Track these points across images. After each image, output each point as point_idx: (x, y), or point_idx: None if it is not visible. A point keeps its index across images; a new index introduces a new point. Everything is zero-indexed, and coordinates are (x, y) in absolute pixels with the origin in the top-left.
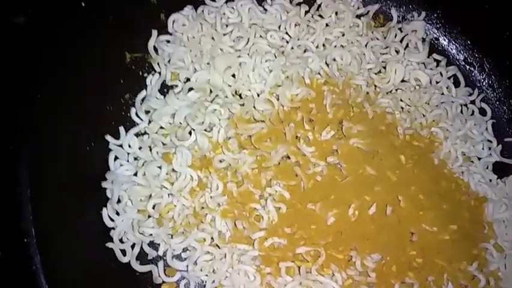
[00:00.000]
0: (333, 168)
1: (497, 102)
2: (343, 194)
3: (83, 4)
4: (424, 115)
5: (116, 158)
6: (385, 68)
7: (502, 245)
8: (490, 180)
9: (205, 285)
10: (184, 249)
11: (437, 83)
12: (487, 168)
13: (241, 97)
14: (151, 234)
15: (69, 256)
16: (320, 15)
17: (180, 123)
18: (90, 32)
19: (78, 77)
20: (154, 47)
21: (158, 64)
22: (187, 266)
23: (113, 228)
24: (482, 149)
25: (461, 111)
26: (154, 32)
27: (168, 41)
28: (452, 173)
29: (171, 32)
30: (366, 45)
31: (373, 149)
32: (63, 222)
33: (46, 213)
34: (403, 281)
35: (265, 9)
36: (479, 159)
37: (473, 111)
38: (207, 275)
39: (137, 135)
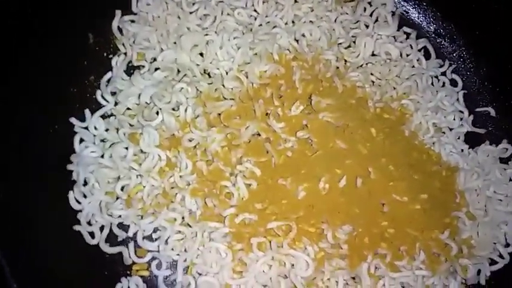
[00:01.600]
0: (304, 143)
1: (468, 73)
2: (313, 168)
3: None
4: (394, 88)
5: (82, 140)
6: (355, 42)
7: (474, 213)
8: (462, 150)
9: (176, 265)
10: (155, 230)
11: (407, 55)
12: (459, 138)
13: (209, 76)
14: (120, 216)
15: (35, 239)
16: None
17: (147, 103)
18: (51, 14)
19: (40, 59)
20: (118, 27)
21: (123, 45)
22: (158, 246)
23: (80, 211)
24: (454, 119)
25: (432, 83)
26: (118, 12)
27: (133, 21)
28: (423, 144)
29: (136, 12)
30: (335, 20)
31: (344, 123)
32: (27, 205)
33: (9, 196)
34: (376, 251)
35: None
36: (450, 129)
37: (444, 83)
38: (178, 254)
39: (103, 117)
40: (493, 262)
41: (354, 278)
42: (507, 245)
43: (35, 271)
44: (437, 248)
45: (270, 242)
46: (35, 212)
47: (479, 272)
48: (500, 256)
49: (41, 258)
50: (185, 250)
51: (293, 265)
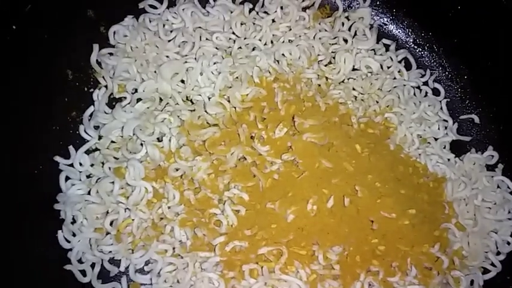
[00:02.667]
0: (290, 165)
1: (450, 81)
2: (300, 189)
3: (14, 27)
4: (377, 102)
5: (68, 178)
6: (334, 58)
7: (464, 224)
8: (448, 160)
9: None
10: (147, 263)
11: (388, 68)
12: (444, 148)
13: (192, 102)
14: (110, 251)
15: (28, 281)
16: (265, 12)
17: (131, 135)
18: (28, 54)
19: (19, 100)
20: (97, 61)
21: (103, 78)
22: (151, 279)
23: (70, 250)
24: (438, 129)
25: (414, 94)
26: (96, 46)
27: (111, 54)
28: (409, 156)
29: (113, 44)
30: (313, 38)
31: (328, 142)
32: (18, 247)
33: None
34: (368, 269)
35: (208, 12)
36: (436, 139)
37: (426, 93)
38: (171, 286)
39: (88, 152)
40: (485, 271)
41: None
42: (498, 253)
43: None
44: (428, 262)
45: (262, 268)
46: (26, 254)
47: (472, 282)
48: (492, 265)
49: None
50: (178, 281)
51: None
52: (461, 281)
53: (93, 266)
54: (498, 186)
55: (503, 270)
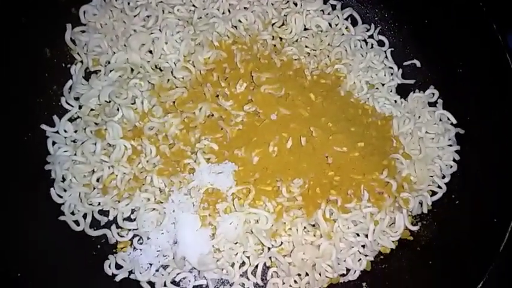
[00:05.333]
0: (252, 115)
1: (393, 32)
2: (263, 135)
3: None
4: (328, 56)
5: (54, 143)
6: (287, 20)
7: (410, 153)
8: (395, 102)
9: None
10: (132, 210)
11: (336, 25)
12: (391, 91)
13: (160, 70)
14: (99, 203)
15: (27, 231)
16: None
17: (107, 101)
18: (6, 35)
19: (5, 77)
20: (71, 38)
21: (78, 54)
22: (137, 224)
23: (63, 204)
24: (385, 75)
25: (361, 46)
26: (69, 26)
27: (83, 31)
28: (358, 100)
29: (85, 23)
30: (267, 4)
31: (285, 93)
32: (14, 206)
33: None
34: (328, 199)
35: None
36: (383, 85)
37: (372, 44)
38: (155, 228)
39: (71, 120)
40: (433, 193)
41: (313, 225)
42: (443, 177)
43: (31, 261)
44: (379, 187)
45: (234, 205)
46: (25, 209)
47: (422, 204)
48: (439, 187)
49: (36, 248)
50: (160, 224)
51: (256, 221)
52: (409, 201)
53: (85, 216)
54: (440, 120)
55: (448, 190)
